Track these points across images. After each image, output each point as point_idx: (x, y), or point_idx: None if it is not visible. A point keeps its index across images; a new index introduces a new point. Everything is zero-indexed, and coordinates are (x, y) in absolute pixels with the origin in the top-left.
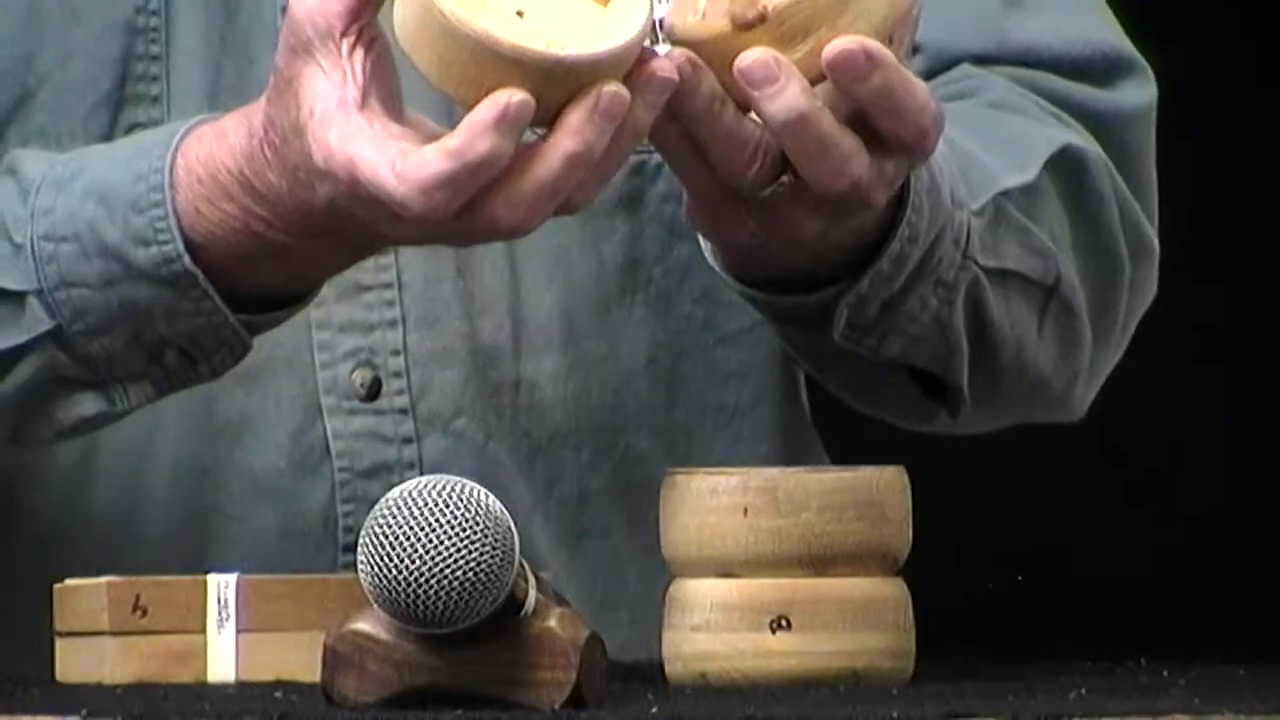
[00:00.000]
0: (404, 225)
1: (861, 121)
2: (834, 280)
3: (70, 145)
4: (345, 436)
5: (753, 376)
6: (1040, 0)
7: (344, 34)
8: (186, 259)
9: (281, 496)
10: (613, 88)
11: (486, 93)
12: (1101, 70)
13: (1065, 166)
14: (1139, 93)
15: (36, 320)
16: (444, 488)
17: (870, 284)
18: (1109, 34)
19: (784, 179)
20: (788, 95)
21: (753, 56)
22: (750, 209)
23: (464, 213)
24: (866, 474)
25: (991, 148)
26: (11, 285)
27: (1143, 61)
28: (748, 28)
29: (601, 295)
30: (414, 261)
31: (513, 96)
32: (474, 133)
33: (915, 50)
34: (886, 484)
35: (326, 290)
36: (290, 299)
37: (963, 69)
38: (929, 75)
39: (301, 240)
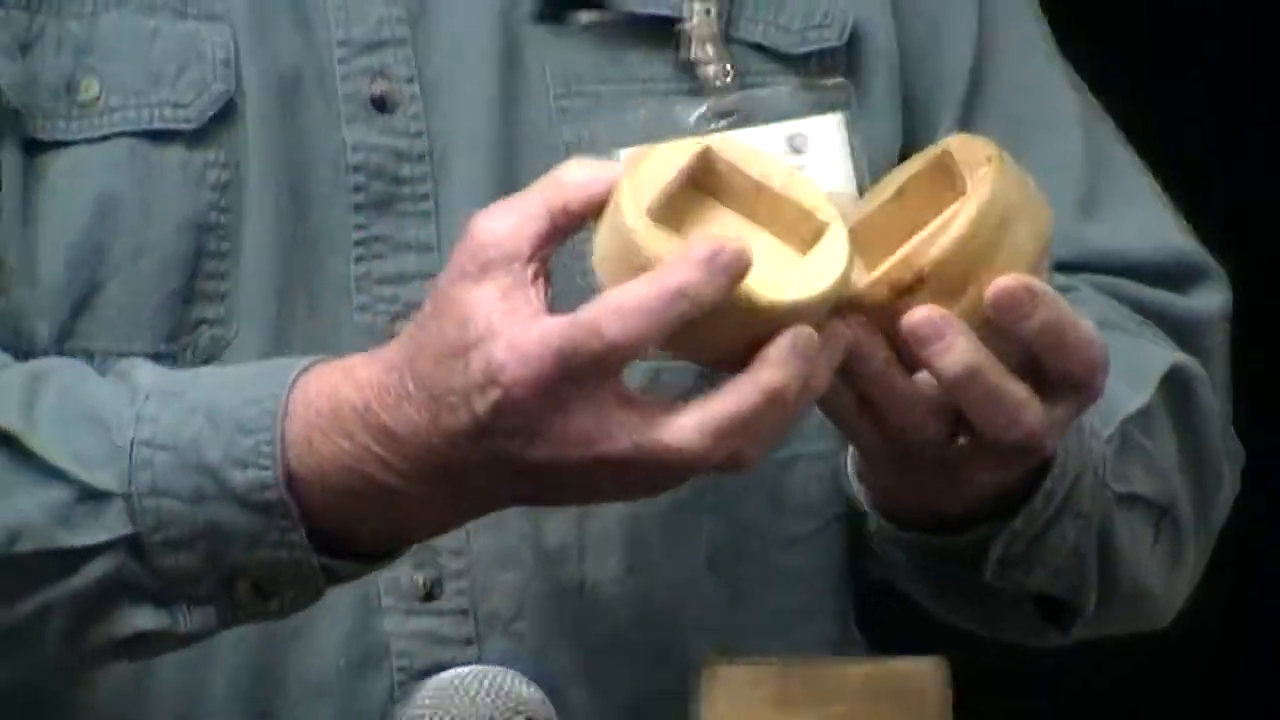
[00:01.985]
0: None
1: (1030, 369)
2: (982, 518)
3: (137, 340)
4: (404, 636)
5: (814, 583)
6: (1113, 206)
7: (530, 259)
8: (282, 487)
9: (339, 696)
10: (807, 330)
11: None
12: (1178, 275)
13: (1175, 385)
14: (1215, 297)
15: (117, 523)
16: (483, 678)
17: (1023, 522)
18: (1180, 237)
19: (960, 439)
20: (956, 350)
21: (918, 316)
22: (923, 465)
23: None
24: (904, 665)
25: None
26: (101, 484)
27: (1215, 264)
28: (908, 292)
29: (666, 500)
30: None
31: (799, 332)
32: (774, 366)
33: None
34: (924, 675)
35: None
36: (379, 555)
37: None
38: None
39: (417, 485)
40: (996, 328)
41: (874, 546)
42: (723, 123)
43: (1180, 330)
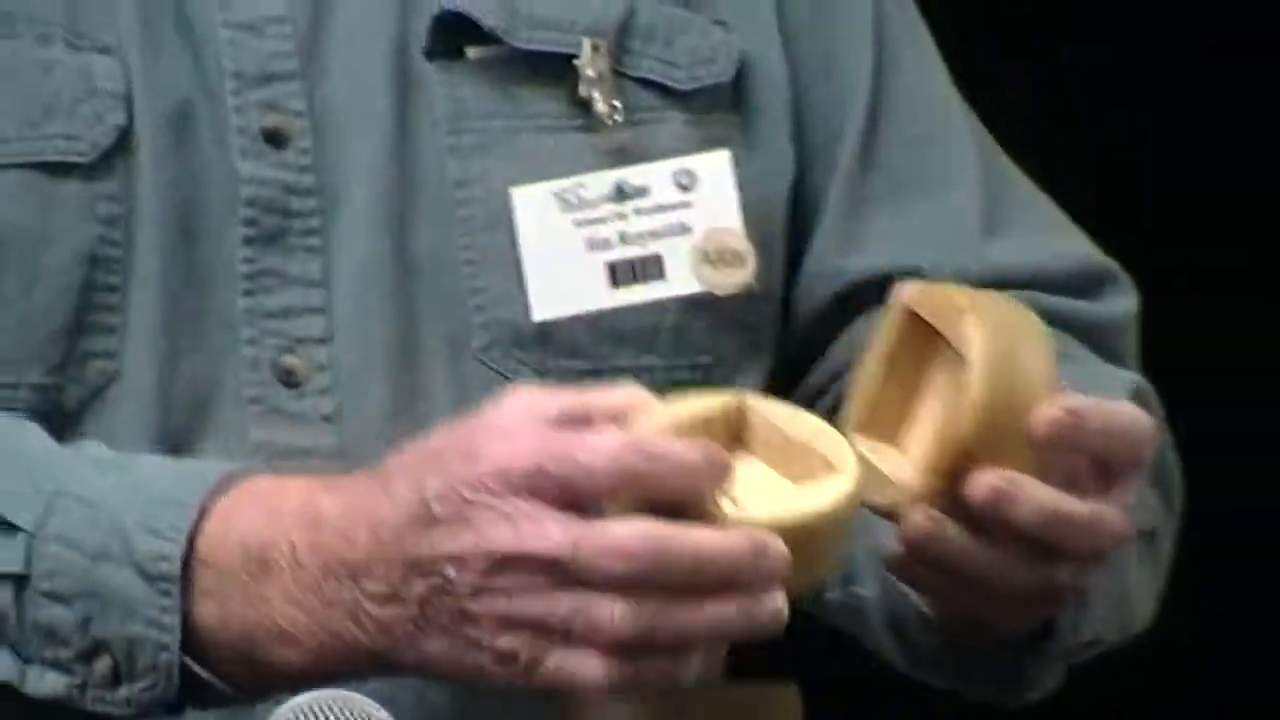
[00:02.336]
0: None
1: (1092, 472)
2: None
3: (25, 372)
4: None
5: None
6: (1015, 222)
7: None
8: (178, 561)
9: None
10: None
11: None
12: (1086, 283)
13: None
14: (1124, 301)
15: (13, 559)
16: (332, 703)
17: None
18: (1084, 246)
19: (1057, 567)
20: (1031, 502)
21: (983, 488)
22: (1005, 597)
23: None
24: (758, 690)
25: None
26: (15, 519)
27: (1119, 270)
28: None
29: None
30: None
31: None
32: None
33: (908, 276)
34: (779, 698)
35: None
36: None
37: None
38: None
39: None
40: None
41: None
42: (611, 159)
43: (1093, 336)
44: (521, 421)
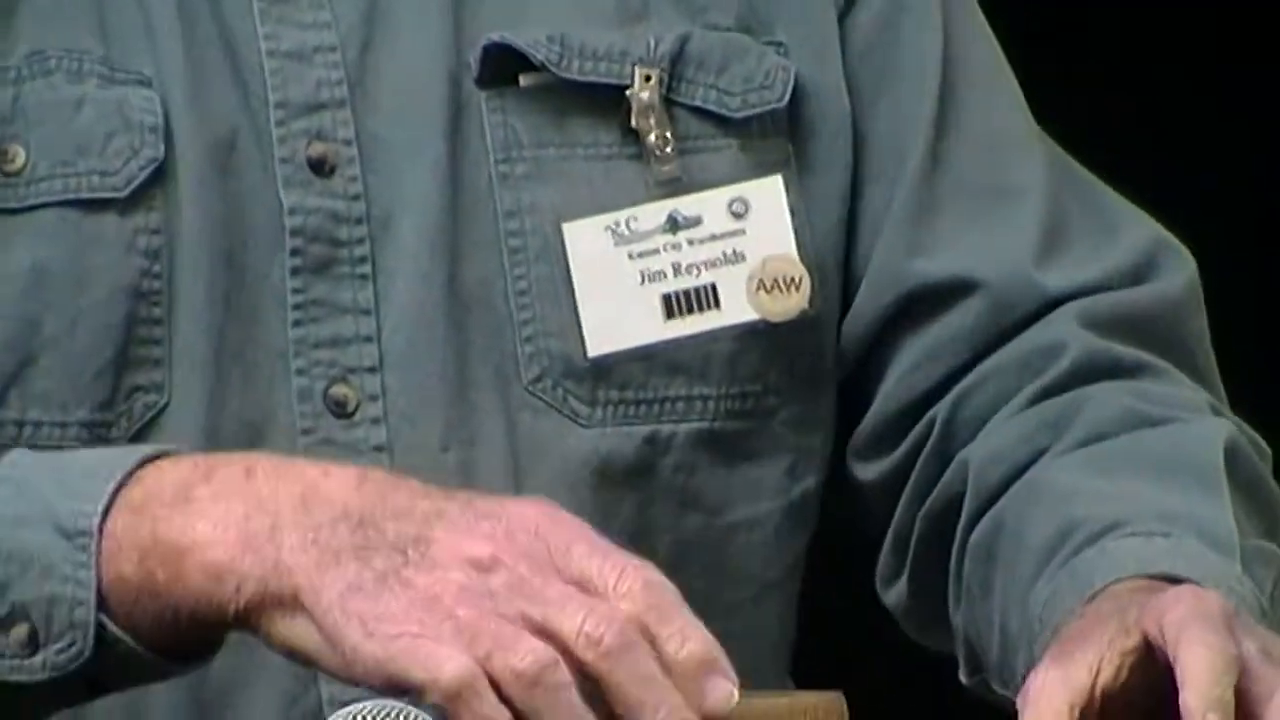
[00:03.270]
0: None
1: None
2: None
3: (72, 410)
4: (342, 702)
5: (754, 646)
6: (1074, 238)
7: None
8: (96, 519)
9: None
10: None
11: None
12: (1142, 271)
13: (1232, 460)
14: (1181, 274)
15: None
16: (387, 713)
17: None
18: (1132, 231)
19: None
20: None
21: None
22: None
23: None
24: (807, 699)
25: (1170, 484)
26: None
27: (1172, 239)
28: None
29: None
30: None
31: None
32: None
33: (972, 288)
34: (825, 708)
35: None
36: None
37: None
38: (988, 320)
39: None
40: None
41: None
42: (663, 189)
43: (1152, 325)
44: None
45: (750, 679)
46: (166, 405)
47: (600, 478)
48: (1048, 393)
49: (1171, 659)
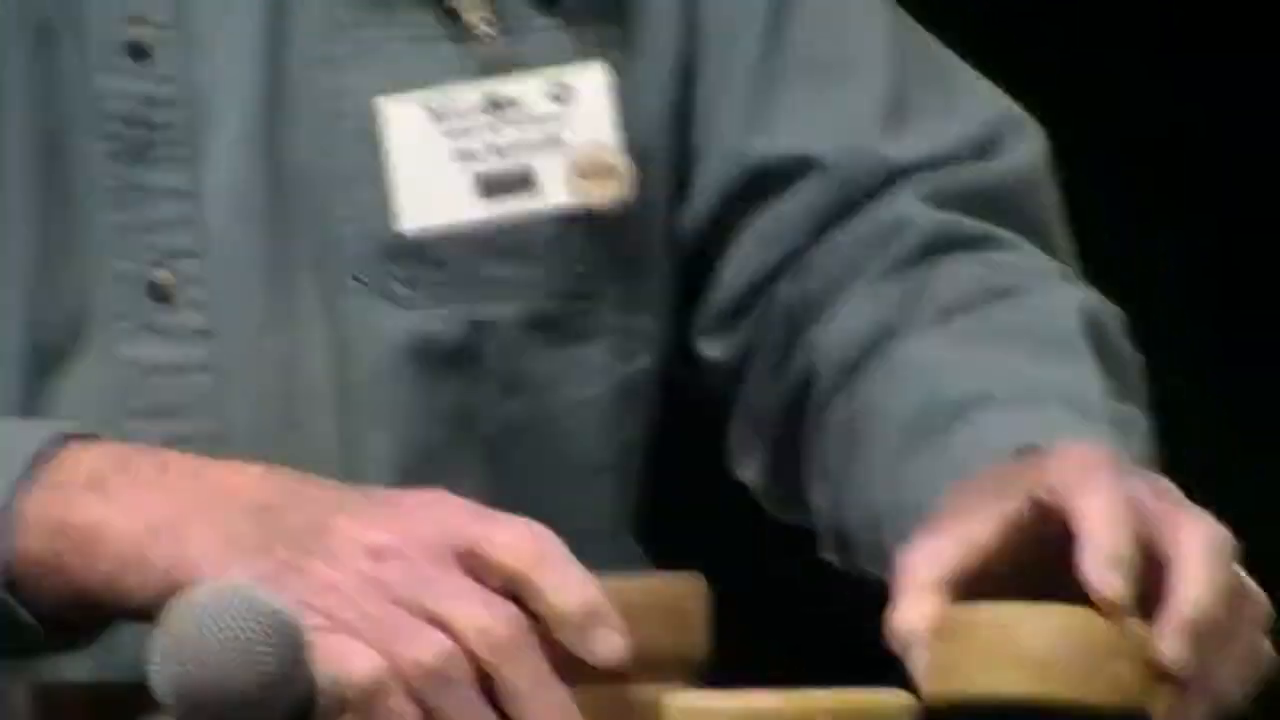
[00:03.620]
0: None
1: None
2: None
3: None
4: None
5: (585, 531)
6: (918, 110)
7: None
8: (8, 496)
9: None
10: None
11: None
12: (986, 143)
13: (1091, 330)
14: (1030, 146)
15: None
16: (235, 594)
17: None
18: (978, 103)
19: None
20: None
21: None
22: None
23: None
24: (666, 581)
25: (1030, 355)
26: None
27: (1020, 112)
28: None
29: (433, 447)
30: (240, 414)
31: None
32: None
33: (813, 165)
34: (686, 590)
35: (146, 441)
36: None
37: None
38: (830, 197)
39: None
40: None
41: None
42: (484, 70)
43: (1000, 201)
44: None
45: (589, 546)
46: None
47: (422, 361)
48: (895, 268)
49: (1066, 513)
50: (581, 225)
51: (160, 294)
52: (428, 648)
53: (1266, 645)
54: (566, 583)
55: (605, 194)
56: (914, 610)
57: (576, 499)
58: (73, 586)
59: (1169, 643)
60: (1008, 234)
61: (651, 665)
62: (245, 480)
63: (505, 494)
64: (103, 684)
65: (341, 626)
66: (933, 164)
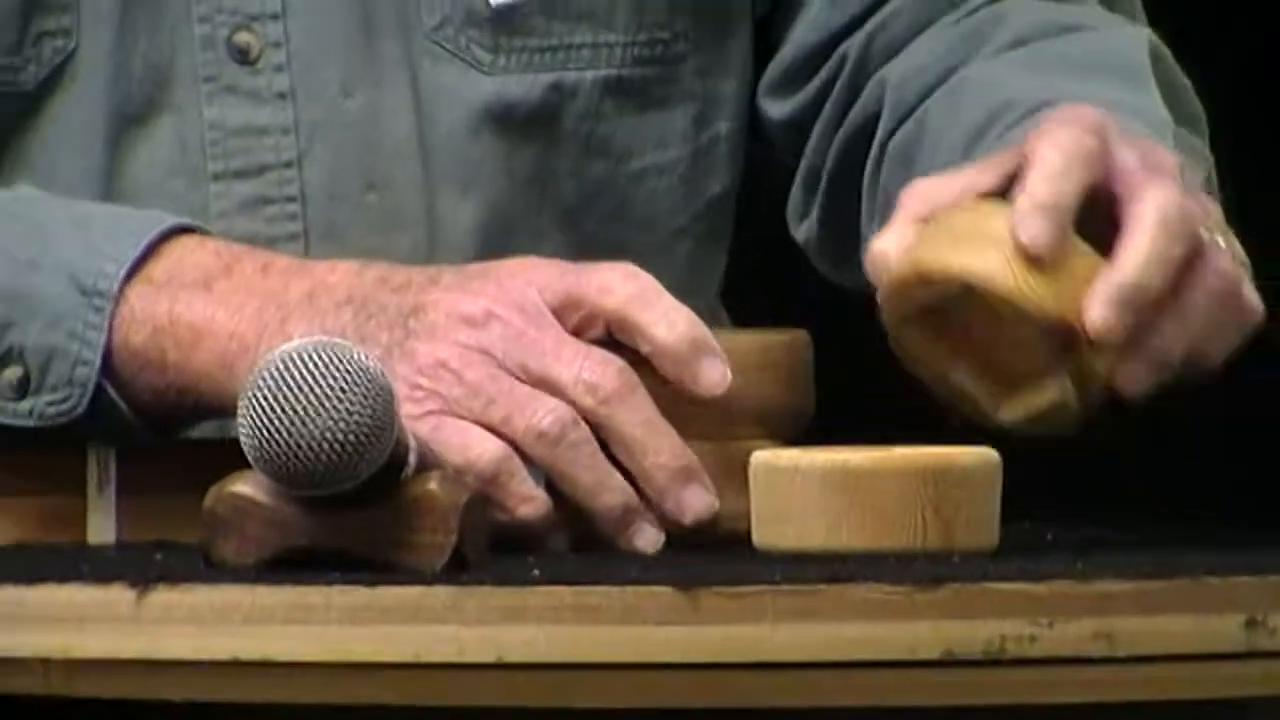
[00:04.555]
0: None
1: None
2: None
3: None
4: None
5: (667, 280)
6: None
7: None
8: (117, 283)
9: None
10: None
11: None
12: None
13: (1155, 65)
14: None
15: None
16: (323, 349)
17: None
18: None
19: None
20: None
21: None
22: None
23: None
24: (774, 336)
25: (1100, 81)
26: None
27: None
28: None
29: (512, 211)
30: (321, 176)
31: None
32: None
33: None
34: (793, 343)
35: (226, 203)
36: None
37: None
38: None
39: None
40: None
41: None
42: None
43: None
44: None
45: None
46: (75, 50)
47: (501, 124)
48: (966, 14)
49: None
50: None
51: (244, 57)
52: (543, 415)
53: (1247, 303)
54: (667, 316)
55: None
56: (893, 236)
57: (656, 261)
58: (171, 381)
59: (1094, 309)
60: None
61: (759, 420)
62: (342, 275)
63: (584, 258)
64: (189, 441)
65: (452, 405)
66: None
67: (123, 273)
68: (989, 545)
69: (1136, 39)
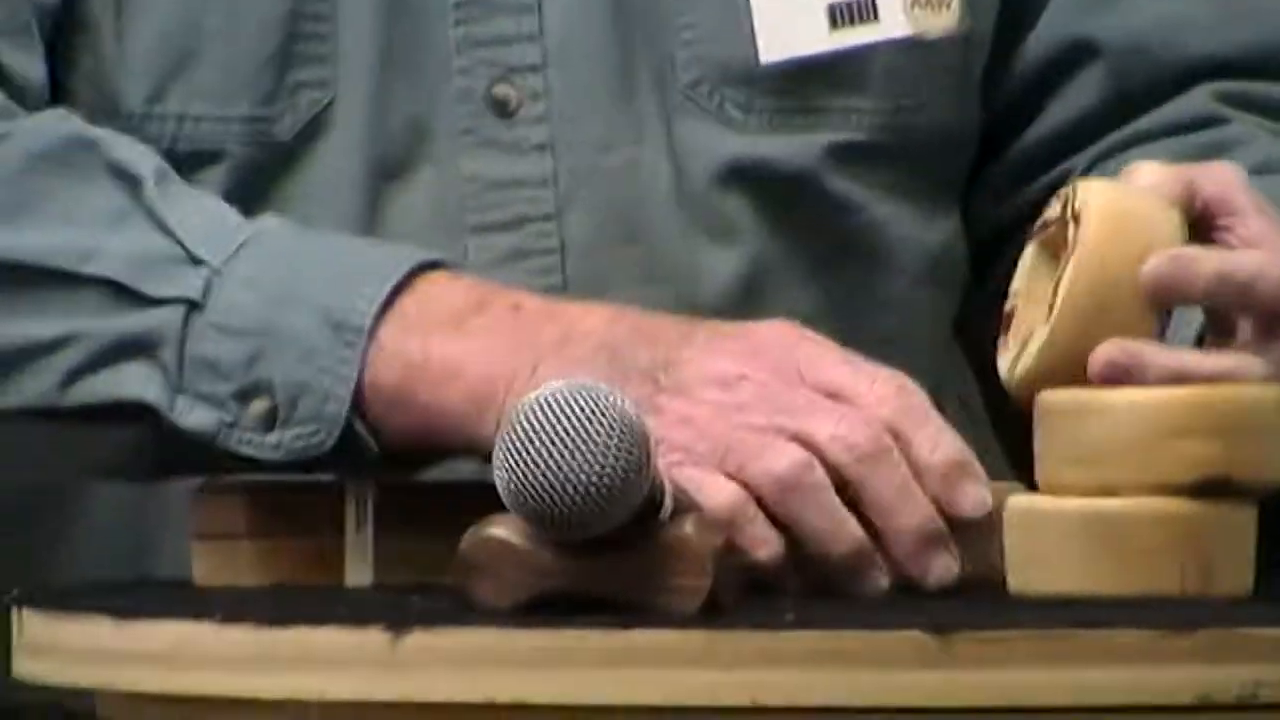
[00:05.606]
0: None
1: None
2: None
3: (234, 104)
4: None
5: (911, 327)
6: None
7: None
8: (370, 320)
9: None
10: None
11: None
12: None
13: None
14: None
15: (190, 287)
16: (581, 393)
17: None
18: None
19: None
20: (1153, 369)
21: (1098, 365)
22: None
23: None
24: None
25: None
26: (198, 253)
27: None
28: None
29: (769, 260)
30: (580, 229)
31: None
32: None
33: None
34: None
35: (486, 255)
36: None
37: (1200, 101)
38: (1156, 89)
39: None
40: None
41: None
42: None
43: None
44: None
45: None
46: (331, 102)
47: (753, 181)
48: (1191, 132)
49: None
50: (914, 55)
51: (503, 109)
52: (781, 458)
53: None
54: (931, 434)
55: (940, 23)
56: None
57: (900, 311)
58: (420, 422)
59: None
60: None
61: None
62: (596, 321)
63: (838, 306)
64: (446, 484)
65: (697, 459)
66: (1239, 64)
67: (375, 309)
68: (1244, 590)
69: None
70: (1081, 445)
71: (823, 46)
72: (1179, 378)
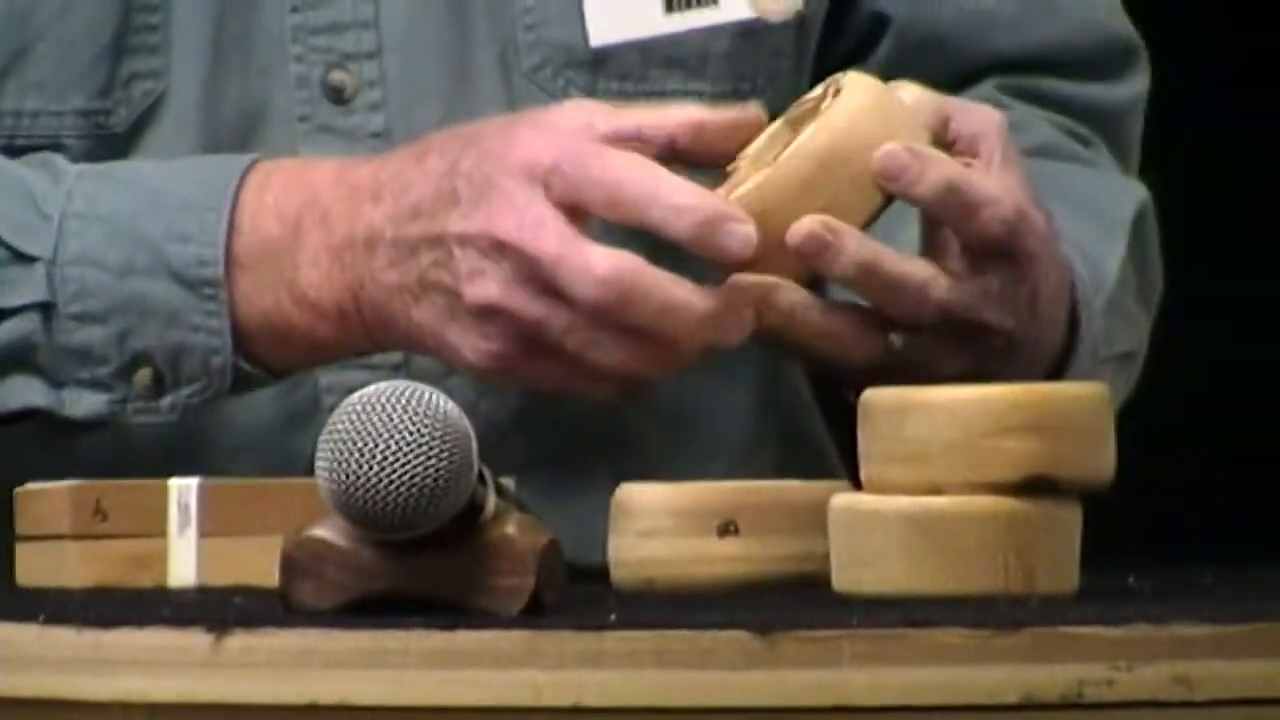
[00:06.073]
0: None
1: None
2: None
3: (70, 98)
4: (339, 391)
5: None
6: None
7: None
8: (220, 265)
9: (270, 451)
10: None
11: None
12: (1114, 63)
13: (1138, 225)
14: (1142, 80)
15: (35, 290)
16: (402, 393)
17: None
18: (1118, 19)
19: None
20: (847, 251)
21: (800, 234)
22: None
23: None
24: None
25: (1076, 215)
26: (27, 250)
27: (1142, 44)
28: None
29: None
30: None
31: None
32: None
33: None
34: None
35: None
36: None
37: (984, 92)
38: (951, 81)
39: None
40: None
41: None
42: None
43: (1107, 119)
44: (566, 124)
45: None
46: (165, 92)
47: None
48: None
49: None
50: (756, 40)
51: (338, 96)
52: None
53: None
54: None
55: (782, 7)
56: None
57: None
58: (302, 349)
59: None
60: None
61: None
62: (356, 204)
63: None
64: (270, 484)
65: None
66: (1056, 60)
67: (219, 255)
68: (1069, 589)
69: (1134, 192)
70: (905, 443)
71: (655, 30)
72: (868, 270)
